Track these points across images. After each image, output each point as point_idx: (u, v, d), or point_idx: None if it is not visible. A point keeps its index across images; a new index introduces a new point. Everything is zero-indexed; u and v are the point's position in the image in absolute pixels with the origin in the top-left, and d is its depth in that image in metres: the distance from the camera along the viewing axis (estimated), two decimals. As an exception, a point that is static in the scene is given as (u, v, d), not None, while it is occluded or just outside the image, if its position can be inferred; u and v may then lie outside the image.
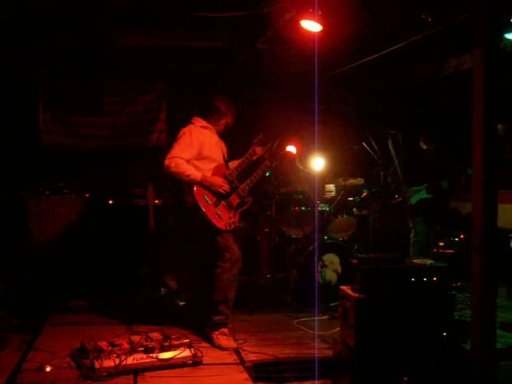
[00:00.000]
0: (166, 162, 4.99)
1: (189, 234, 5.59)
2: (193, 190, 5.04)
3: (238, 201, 5.31)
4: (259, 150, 5.43)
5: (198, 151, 5.13)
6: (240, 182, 5.40)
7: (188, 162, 5.07)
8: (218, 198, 5.15)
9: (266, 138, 5.47)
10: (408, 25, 5.92)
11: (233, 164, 5.43)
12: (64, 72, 7.71)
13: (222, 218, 5.12)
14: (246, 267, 7.00)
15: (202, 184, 5.07)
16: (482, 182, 3.84)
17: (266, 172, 5.67)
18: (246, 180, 5.45)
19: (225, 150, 5.52)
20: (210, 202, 5.10)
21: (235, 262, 5.18)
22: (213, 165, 5.24)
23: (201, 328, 5.22)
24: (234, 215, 5.26)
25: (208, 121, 5.33)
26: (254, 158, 5.46)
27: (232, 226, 5.19)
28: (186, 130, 5.21)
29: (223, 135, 5.50)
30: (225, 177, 5.26)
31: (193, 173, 5.02)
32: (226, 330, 5.11)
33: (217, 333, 5.05)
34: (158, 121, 8.23)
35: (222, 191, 5.15)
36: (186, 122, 5.39)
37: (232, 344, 4.99)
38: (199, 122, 5.30)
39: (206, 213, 5.04)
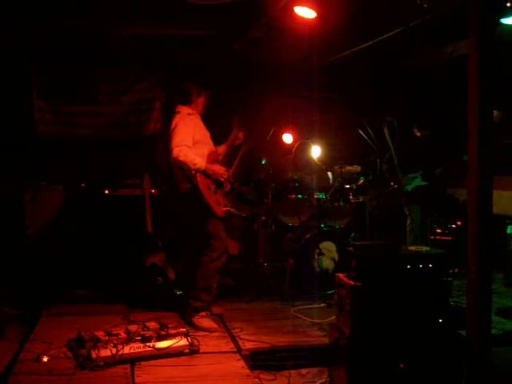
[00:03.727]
0: (175, 151, 5.03)
1: (181, 222, 5.67)
2: (195, 178, 5.14)
3: (229, 186, 5.50)
4: (241, 135, 5.60)
5: (192, 138, 5.21)
6: (228, 167, 5.56)
7: (190, 148, 5.16)
8: (216, 186, 5.30)
9: (242, 118, 5.63)
10: (403, 11, 5.88)
11: (220, 149, 5.61)
12: (59, 61, 7.67)
13: (220, 204, 5.29)
14: (243, 255, 7.05)
15: (205, 172, 5.19)
16: (477, 168, 3.82)
17: (246, 153, 5.79)
18: (232, 165, 5.65)
19: (210, 135, 5.60)
20: (211, 189, 5.25)
21: (223, 252, 5.26)
22: (205, 148, 5.36)
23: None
24: (228, 202, 5.45)
25: (190, 106, 5.42)
26: (238, 142, 5.64)
27: (226, 214, 5.35)
28: (177, 119, 5.28)
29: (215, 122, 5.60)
30: (219, 163, 5.42)
31: (199, 161, 5.14)
32: (204, 313, 5.24)
33: (196, 316, 5.18)
34: (154, 110, 8.19)
35: (223, 179, 5.33)
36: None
37: (213, 325, 5.16)
38: (184, 109, 5.40)
39: (209, 200, 5.17)
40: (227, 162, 5.64)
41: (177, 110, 5.41)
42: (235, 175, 5.67)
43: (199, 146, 5.28)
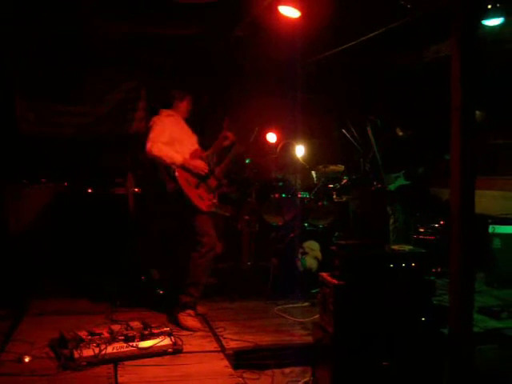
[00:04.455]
0: (148, 146, 5.15)
1: (169, 220, 5.71)
2: (175, 175, 5.21)
3: (215, 183, 5.52)
4: (230, 136, 5.63)
5: (169, 135, 5.29)
6: (215, 165, 5.61)
7: (166, 144, 5.23)
8: (198, 181, 5.35)
9: (233, 121, 5.70)
10: (387, 11, 5.91)
11: (208, 151, 5.66)
12: (42, 59, 7.60)
13: (203, 199, 5.32)
14: (227, 255, 7.04)
15: (184, 167, 5.25)
16: (459, 168, 3.84)
17: (237, 154, 5.88)
18: (221, 163, 5.67)
19: (196, 138, 5.69)
20: (191, 184, 5.29)
21: (212, 248, 5.31)
22: (186, 147, 5.42)
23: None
24: (214, 197, 5.48)
25: (171, 109, 5.54)
26: (226, 143, 5.67)
27: (212, 208, 5.40)
28: (155, 119, 5.42)
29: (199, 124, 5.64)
30: (202, 159, 5.45)
31: (175, 155, 5.21)
32: (192, 312, 5.27)
33: (183, 314, 5.21)
34: (138, 109, 8.17)
35: (203, 173, 5.36)
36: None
37: (197, 324, 5.17)
38: (165, 112, 5.51)
39: (189, 194, 5.22)
40: (217, 160, 5.67)
41: (158, 112, 5.51)
42: (224, 173, 5.69)
43: (179, 145, 5.34)
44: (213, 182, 5.48)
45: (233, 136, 5.64)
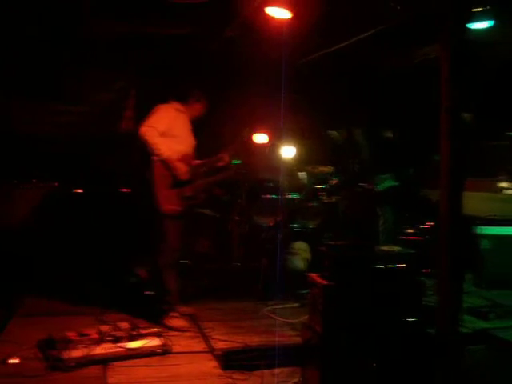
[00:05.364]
0: (143, 129, 5.15)
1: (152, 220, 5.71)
2: (154, 166, 5.17)
3: (190, 194, 5.40)
4: (226, 159, 5.63)
5: (168, 127, 5.25)
6: (200, 178, 5.52)
7: (161, 134, 5.18)
8: (173, 183, 5.25)
9: (239, 151, 5.78)
10: (376, 13, 5.93)
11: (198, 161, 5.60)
12: (31, 59, 7.57)
13: (168, 202, 5.23)
14: (216, 256, 7.04)
15: (166, 163, 5.20)
16: (448, 169, 3.87)
17: (224, 180, 5.99)
18: (205, 179, 5.59)
19: (194, 143, 5.62)
20: (165, 182, 5.21)
21: (172, 251, 5.31)
22: (182, 146, 5.36)
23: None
24: (181, 205, 5.33)
25: (183, 105, 5.49)
26: (220, 164, 5.66)
27: (175, 214, 5.27)
28: (162, 105, 5.38)
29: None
30: (188, 167, 5.38)
31: (163, 149, 5.16)
32: (175, 314, 5.32)
33: (167, 317, 5.25)
34: (127, 108, 8.15)
35: (179, 179, 5.27)
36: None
37: (183, 323, 5.24)
38: (175, 104, 5.47)
39: (157, 190, 5.17)
40: (203, 174, 5.61)
41: (168, 101, 5.45)
42: (202, 189, 5.60)
43: (174, 141, 5.29)
44: (188, 191, 5.37)
45: (229, 160, 5.64)
